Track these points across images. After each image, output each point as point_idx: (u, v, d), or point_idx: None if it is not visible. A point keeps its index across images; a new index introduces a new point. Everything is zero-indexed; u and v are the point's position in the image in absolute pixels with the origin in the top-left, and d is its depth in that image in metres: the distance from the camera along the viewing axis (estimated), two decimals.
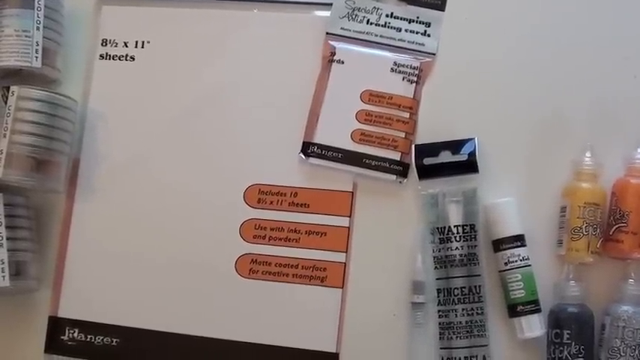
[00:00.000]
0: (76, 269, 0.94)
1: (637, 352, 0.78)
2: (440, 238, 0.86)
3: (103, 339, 0.92)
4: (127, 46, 0.97)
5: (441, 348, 0.84)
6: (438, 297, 0.85)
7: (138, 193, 0.94)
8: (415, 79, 0.90)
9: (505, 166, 0.87)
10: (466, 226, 0.85)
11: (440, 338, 0.84)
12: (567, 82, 0.87)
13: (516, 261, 0.82)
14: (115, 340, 0.91)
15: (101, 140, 0.96)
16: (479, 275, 0.84)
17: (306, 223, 0.90)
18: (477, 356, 0.83)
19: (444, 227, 0.86)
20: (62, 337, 0.92)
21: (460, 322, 0.84)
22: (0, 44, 0.90)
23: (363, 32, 0.92)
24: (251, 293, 0.89)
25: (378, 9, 0.92)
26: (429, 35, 0.91)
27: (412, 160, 0.88)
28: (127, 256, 0.93)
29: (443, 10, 0.91)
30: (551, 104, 0.87)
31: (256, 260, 0.90)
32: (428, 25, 0.91)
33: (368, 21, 0.92)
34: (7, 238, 0.88)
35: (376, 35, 0.92)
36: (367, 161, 0.89)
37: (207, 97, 0.94)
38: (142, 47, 0.97)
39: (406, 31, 0.92)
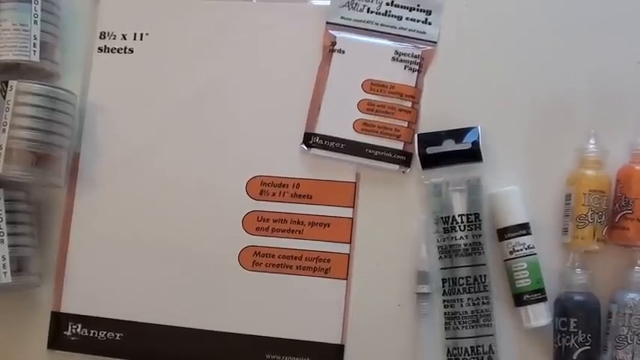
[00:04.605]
0: (78, 264, 0.93)
1: None
2: (444, 228, 0.85)
3: (106, 334, 0.91)
4: (125, 39, 0.96)
5: (446, 338, 0.84)
6: (443, 287, 0.85)
7: (139, 186, 0.93)
8: (417, 67, 0.89)
9: (509, 154, 0.86)
10: (470, 215, 0.85)
11: (445, 328, 0.84)
12: (570, 69, 0.87)
13: (522, 249, 0.82)
14: (118, 334, 0.91)
15: (101, 133, 0.95)
16: (484, 264, 0.84)
17: (309, 214, 0.89)
18: (483, 346, 0.83)
19: (448, 217, 0.85)
20: (65, 333, 0.92)
21: (466, 312, 0.84)
22: None
23: (364, 21, 0.91)
24: (255, 285, 0.89)
25: None
26: (430, 23, 0.91)
27: (415, 150, 0.87)
28: (130, 250, 0.92)
29: None
30: (554, 91, 0.87)
31: (259, 252, 0.89)
32: (429, 13, 0.91)
33: (368, 9, 0.91)
34: (8, 234, 0.87)
35: (377, 24, 0.91)
36: (370, 151, 0.88)
37: (207, 89, 0.93)
38: (141, 39, 0.96)
39: (407, 19, 0.91)
